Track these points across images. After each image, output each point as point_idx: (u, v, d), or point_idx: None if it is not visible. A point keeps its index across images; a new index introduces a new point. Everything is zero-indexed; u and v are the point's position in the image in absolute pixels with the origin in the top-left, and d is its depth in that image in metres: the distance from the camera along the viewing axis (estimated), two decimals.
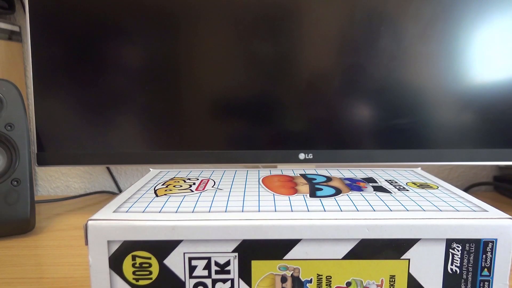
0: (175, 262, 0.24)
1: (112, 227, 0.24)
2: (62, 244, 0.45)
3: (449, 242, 0.24)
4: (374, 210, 0.25)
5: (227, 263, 0.24)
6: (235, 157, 0.54)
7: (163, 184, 0.31)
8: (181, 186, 0.31)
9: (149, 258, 0.24)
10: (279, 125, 0.53)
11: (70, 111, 0.53)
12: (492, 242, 0.24)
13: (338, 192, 0.29)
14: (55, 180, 0.72)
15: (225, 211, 0.25)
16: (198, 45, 0.52)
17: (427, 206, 0.26)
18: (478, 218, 0.24)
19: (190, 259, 0.24)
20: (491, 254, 0.24)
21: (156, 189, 0.30)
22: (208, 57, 0.52)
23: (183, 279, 0.24)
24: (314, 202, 0.27)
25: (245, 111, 0.53)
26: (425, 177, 0.34)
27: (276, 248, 0.24)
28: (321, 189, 0.30)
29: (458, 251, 0.24)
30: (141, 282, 0.24)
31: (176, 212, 0.25)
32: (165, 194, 0.29)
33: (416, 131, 0.53)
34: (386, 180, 0.33)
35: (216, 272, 0.24)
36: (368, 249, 0.24)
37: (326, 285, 0.24)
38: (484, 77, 0.53)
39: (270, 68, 0.52)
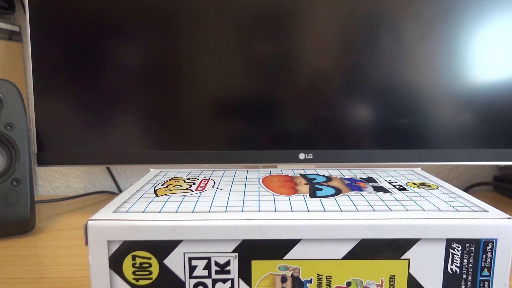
0: (175, 262, 0.24)
1: (112, 227, 0.24)
2: (62, 244, 0.45)
3: (449, 242, 0.24)
4: (374, 210, 0.25)
5: (227, 263, 0.24)
6: (235, 157, 0.54)
7: (163, 184, 0.31)
8: (181, 186, 0.31)
9: (149, 258, 0.24)
10: (279, 125, 0.53)
11: (70, 111, 0.53)
12: (492, 242, 0.24)
13: (338, 192, 0.29)
14: (55, 180, 0.72)
15: (225, 211, 0.25)
16: (198, 45, 0.52)
17: (427, 206, 0.26)
18: (478, 218, 0.24)
19: (190, 259, 0.24)
20: (491, 254, 0.24)
21: (156, 189, 0.30)
22: (208, 57, 0.52)
23: (183, 279, 0.24)
24: (314, 202, 0.27)
25: (245, 111, 0.53)
26: (425, 177, 0.34)
27: (276, 248, 0.24)
28: (321, 189, 0.30)
29: (458, 251, 0.24)
30: (141, 282, 0.24)
31: (176, 212, 0.25)
32: (165, 194, 0.29)
33: (416, 131, 0.53)
34: (386, 180, 0.33)
35: (216, 272, 0.24)
36: (368, 249, 0.24)
37: (326, 285, 0.24)
38: (484, 77, 0.53)
39: (270, 68, 0.52)
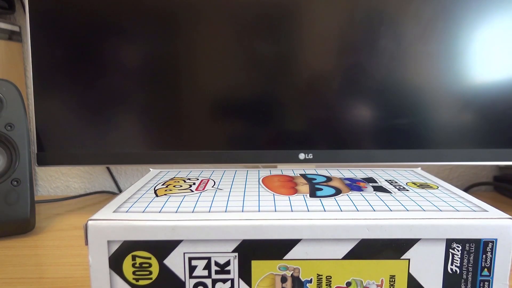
0: (175, 262, 0.24)
1: (112, 227, 0.24)
2: (62, 244, 0.45)
3: (449, 242, 0.24)
4: (374, 210, 0.25)
5: (227, 263, 0.24)
6: (235, 157, 0.54)
7: (163, 184, 0.31)
8: (181, 186, 0.31)
9: (149, 258, 0.24)
10: (279, 125, 0.53)
11: (70, 111, 0.53)
12: (492, 242, 0.24)
13: (338, 192, 0.29)
14: (55, 180, 0.72)
15: (225, 211, 0.25)
16: (198, 45, 0.52)
17: (427, 206, 0.26)
18: (478, 218, 0.24)
19: (190, 259, 0.24)
20: (491, 254, 0.24)
21: (156, 189, 0.30)
22: (208, 57, 0.52)
23: (183, 279, 0.24)
24: (314, 202, 0.27)
25: (245, 111, 0.53)
26: (425, 177, 0.34)
27: (276, 248, 0.24)
28: (321, 189, 0.30)
29: (458, 251, 0.24)
30: (141, 282, 0.24)
31: (176, 212, 0.25)
32: (165, 194, 0.29)
33: (416, 131, 0.53)
34: (386, 180, 0.33)
35: (216, 272, 0.24)
36: (368, 249, 0.24)
37: (326, 285, 0.24)
38: (484, 77, 0.53)
39: (270, 68, 0.52)
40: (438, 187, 0.31)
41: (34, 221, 0.48)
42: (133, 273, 0.24)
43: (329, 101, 0.53)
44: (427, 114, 0.53)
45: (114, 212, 0.25)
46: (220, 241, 0.24)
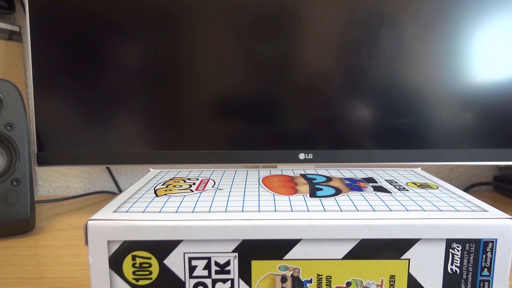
0: (175, 262, 0.24)
1: (112, 227, 0.24)
2: (62, 244, 0.45)
3: (449, 242, 0.24)
4: (374, 210, 0.25)
5: (227, 263, 0.24)
6: (235, 157, 0.54)
7: (163, 184, 0.31)
8: (181, 186, 0.31)
9: (149, 258, 0.24)
10: (279, 125, 0.53)
11: (70, 111, 0.53)
12: (492, 242, 0.24)
13: (338, 192, 0.29)
14: (55, 180, 0.72)
15: (225, 211, 0.25)
16: (198, 45, 0.52)
17: (427, 206, 0.26)
18: (478, 218, 0.24)
19: (190, 259, 0.24)
20: (491, 254, 0.24)
21: (156, 189, 0.30)
22: (208, 57, 0.52)
23: (183, 279, 0.24)
24: (314, 202, 0.27)
25: (245, 111, 0.53)
26: (425, 177, 0.34)
27: (276, 248, 0.24)
28: (321, 189, 0.30)
29: (458, 251, 0.24)
30: (141, 282, 0.24)
31: (176, 212, 0.25)
32: (165, 194, 0.29)
33: (416, 131, 0.53)
34: (386, 180, 0.33)
35: (216, 272, 0.24)
36: (368, 249, 0.24)
37: (326, 285, 0.24)
38: (484, 77, 0.53)
39: (270, 68, 0.52)
40: (438, 187, 0.31)
41: (34, 221, 0.48)
42: (133, 273, 0.24)
43: (329, 101, 0.53)
44: (427, 114, 0.53)
45: (114, 212, 0.25)
46: (220, 241, 0.24)
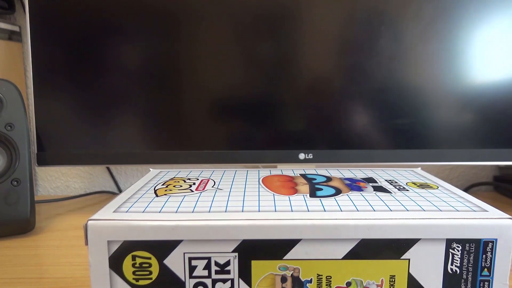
0: (175, 262, 0.24)
1: (112, 227, 0.24)
2: (62, 244, 0.45)
3: (449, 242, 0.24)
4: (374, 210, 0.25)
5: (227, 263, 0.24)
6: (235, 157, 0.54)
7: (163, 184, 0.31)
8: (181, 186, 0.31)
9: (149, 258, 0.24)
10: (279, 125, 0.53)
11: (70, 111, 0.53)
12: (492, 242, 0.24)
13: (338, 192, 0.29)
14: (55, 180, 0.72)
15: (225, 211, 0.25)
16: (198, 45, 0.52)
17: (427, 206, 0.26)
18: (478, 218, 0.24)
19: (190, 259, 0.24)
20: (491, 254, 0.24)
21: (156, 189, 0.30)
22: (208, 57, 0.52)
23: (183, 279, 0.24)
24: (314, 202, 0.27)
25: (245, 111, 0.53)
26: (425, 177, 0.34)
27: (276, 248, 0.24)
28: (321, 189, 0.30)
29: (458, 251, 0.24)
30: (141, 282, 0.24)
31: (176, 212, 0.25)
32: (165, 194, 0.29)
33: (416, 131, 0.53)
34: (386, 180, 0.33)
35: (216, 272, 0.24)
36: (368, 249, 0.24)
37: (326, 285, 0.24)
38: (484, 77, 0.53)
39: (270, 68, 0.52)
40: (438, 187, 0.31)
41: (34, 221, 0.48)
42: (133, 273, 0.24)
43: (329, 101, 0.53)
44: (427, 114, 0.53)
45: (114, 212, 0.25)
46: (220, 241, 0.24)
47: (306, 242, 0.24)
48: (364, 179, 0.33)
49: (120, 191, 0.72)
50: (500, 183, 0.67)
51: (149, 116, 0.53)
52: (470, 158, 0.54)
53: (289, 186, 0.31)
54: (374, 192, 0.29)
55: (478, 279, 0.24)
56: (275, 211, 0.25)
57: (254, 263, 0.24)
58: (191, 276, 0.24)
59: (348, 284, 0.24)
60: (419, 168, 0.38)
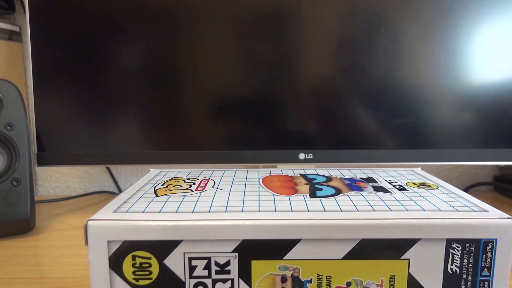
0: (175, 262, 0.24)
1: (112, 227, 0.24)
2: (62, 244, 0.45)
3: (449, 242, 0.24)
4: (374, 210, 0.25)
5: (227, 263, 0.24)
6: (235, 157, 0.54)
7: (163, 184, 0.31)
8: (181, 186, 0.31)
9: (149, 258, 0.24)
10: (279, 125, 0.53)
11: (70, 111, 0.53)
12: (492, 242, 0.24)
13: (338, 192, 0.29)
14: (55, 180, 0.72)
15: (225, 211, 0.25)
16: (198, 45, 0.52)
17: (427, 206, 0.26)
18: (478, 218, 0.24)
19: (190, 259, 0.24)
20: (491, 254, 0.24)
21: (156, 189, 0.30)
22: (208, 57, 0.52)
23: (183, 279, 0.24)
24: (314, 202, 0.27)
25: (245, 111, 0.53)
26: (425, 177, 0.34)
27: (276, 248, 0.24)
28: (321, 189, 0.30)
29: (458, 251, 0.24)
30: (141, 282, 0.24)
31: (176, 212, 0.25)
32: (165, 194, 0.29)
33: (416, 131, 0.53)
34: (386, 180, 0.33)
35: (216, 272, 0.24)
36: (368, 249, 0.24)
37: (326, 285, 0.24)
38: (484, 77, 0.53)
39: (270, 68, 0.52)
40: (438, 187, 0.31)
41: (34, 221, 0.48)
42: (133, 273, 0.24)
43: (329, 101, 0.53)
44: (427, 114, 0.53)
45: (114, 212, 0.25)
46: (220, 241, 0.24)
47: (306, 242, 0.24)
48: (364, 179, 0.33)
49: (120, 191, 0.72)
50: (500, 183, 0.67)
51: (149, 116, 0.53)
52: (470, 158, 0.54)
53: (289, 186, 0.31)
54: (374, 192, 0.29)
55: (478, 279, 0.24)
56: (275, 211, 0.25)
57: (254, 263, 0.24)
58: (191, 276, 0.24)
59: (348, 284, 0.24)
60: (419, 168, 0.38)
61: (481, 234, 0.24)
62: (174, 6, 0.51)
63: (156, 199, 0.28)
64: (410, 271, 0.24)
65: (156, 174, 0.36)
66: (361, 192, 0.29)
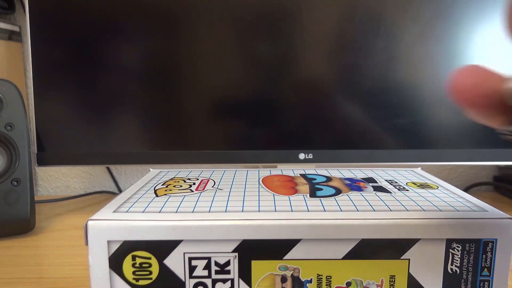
0: (175, 262, 0.24)
1: (112, 227, 0.24)
2: (62, 244, 0.45)
3: (449, 242, 0.24)
4: (374, 210, 0.25)
5: (227, 263, 0.24)
6: (235, 157, 0.54)
7: (163, 184, 0.31)
8: (181, 186, 0.31)
9: (149, 258, 0.24)
10: (279, 125, 0.53)
11: (70, 111, 0.53)
12: (492, 242, 0.24)
13: (338, 192, 0.29)
14: (55, 180, 0.72)
15: (225, 211, 0.25)
16: (198, 45, 0.52)
17: (427, 206, 0.26)
18: (478, 218, 0.24)
19: (190, 259, 0.24)
20: (491, 254, 0.24)
21: (156, 189, 0.30)
22: (208, 57, 0.52)
23: (183, 279, 0.24)
24: (314, 202, 0.27)
25: (245, 111, 0.53)
26: (425, 177, 0.34)
27: (276, 248, 0.24)
28: (321, 189, 0.30)
29: (458, 251, 0.24)
30: (141, 282, 0.24)
31: (176, 212, 0.25)
32: (165, 194, 0.29)
33: (416, 131, 0.53)
34: (386, 180, 0.33)
35: (216, 272, 0.24)
36: (368, 249, 0.24)
37: (326, 285, 0.24)
38: None
39: (270, 68, 0.52)
40: (438, 187, 0.31)
41: (34, 221, 0.48)
42: (133, 273, 0.24)
43: (329, 101, 0.53)
44: (427, 114, 0.53)
45: (114, 212, 0.25)
46: (220, 241, 0.24)
47: (306, 242, 0.24)
48: (364, 179, 0.33)
49: (120, 191, 0.72)
50: (500, 183, 0.67)
51: (149, 116, 0.53)
52: (470, 158, 0.54)
53: (289, 186, 0.31)
54: (374, 192, 0.29)
55: (478, 279, 0.24)
56: (275, 211, 0.25)
57: (254, 263, 0.24)
58: (191, 276, 0.24)
59: (348, 284, 0.24)
60: (419, 168, 0.38)
61: (481, 234, 0.24)
62: (174, 6, 0.51)
63: (156, 199, 0.28)
64: (410, 271, 0.24)
65: (156, 174, 0.36)
66: (361, 192, 0.29)
